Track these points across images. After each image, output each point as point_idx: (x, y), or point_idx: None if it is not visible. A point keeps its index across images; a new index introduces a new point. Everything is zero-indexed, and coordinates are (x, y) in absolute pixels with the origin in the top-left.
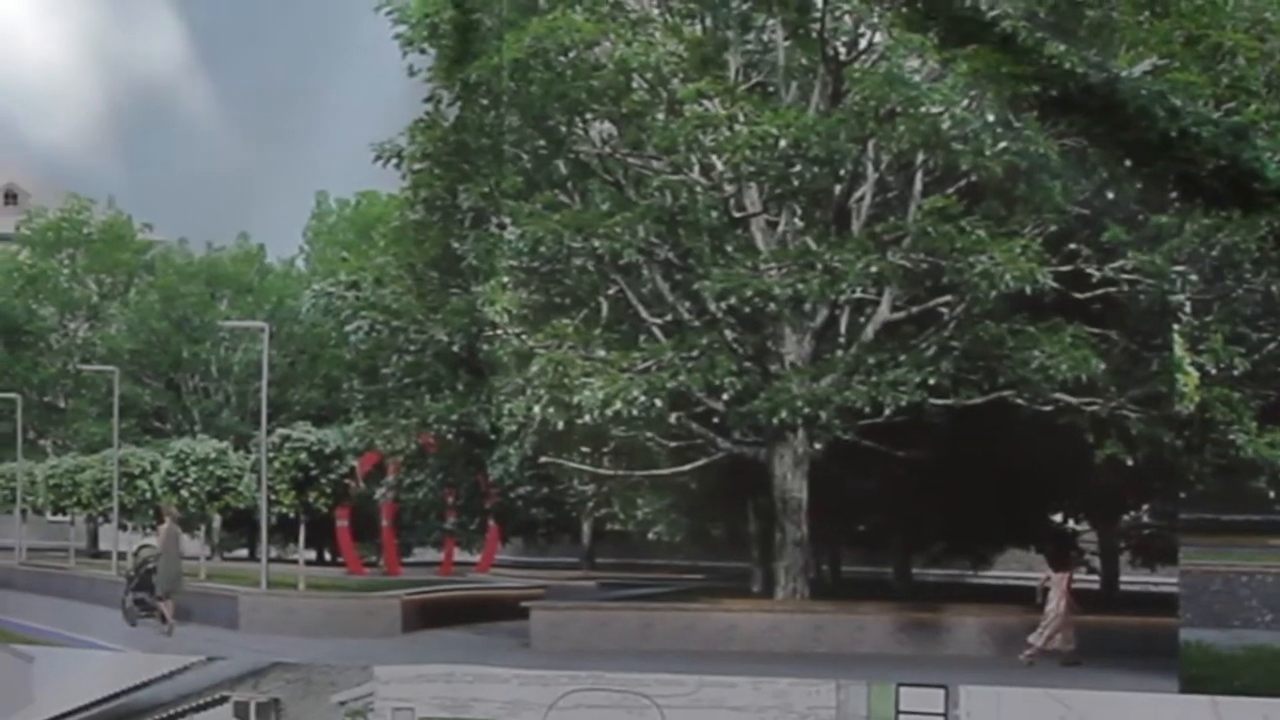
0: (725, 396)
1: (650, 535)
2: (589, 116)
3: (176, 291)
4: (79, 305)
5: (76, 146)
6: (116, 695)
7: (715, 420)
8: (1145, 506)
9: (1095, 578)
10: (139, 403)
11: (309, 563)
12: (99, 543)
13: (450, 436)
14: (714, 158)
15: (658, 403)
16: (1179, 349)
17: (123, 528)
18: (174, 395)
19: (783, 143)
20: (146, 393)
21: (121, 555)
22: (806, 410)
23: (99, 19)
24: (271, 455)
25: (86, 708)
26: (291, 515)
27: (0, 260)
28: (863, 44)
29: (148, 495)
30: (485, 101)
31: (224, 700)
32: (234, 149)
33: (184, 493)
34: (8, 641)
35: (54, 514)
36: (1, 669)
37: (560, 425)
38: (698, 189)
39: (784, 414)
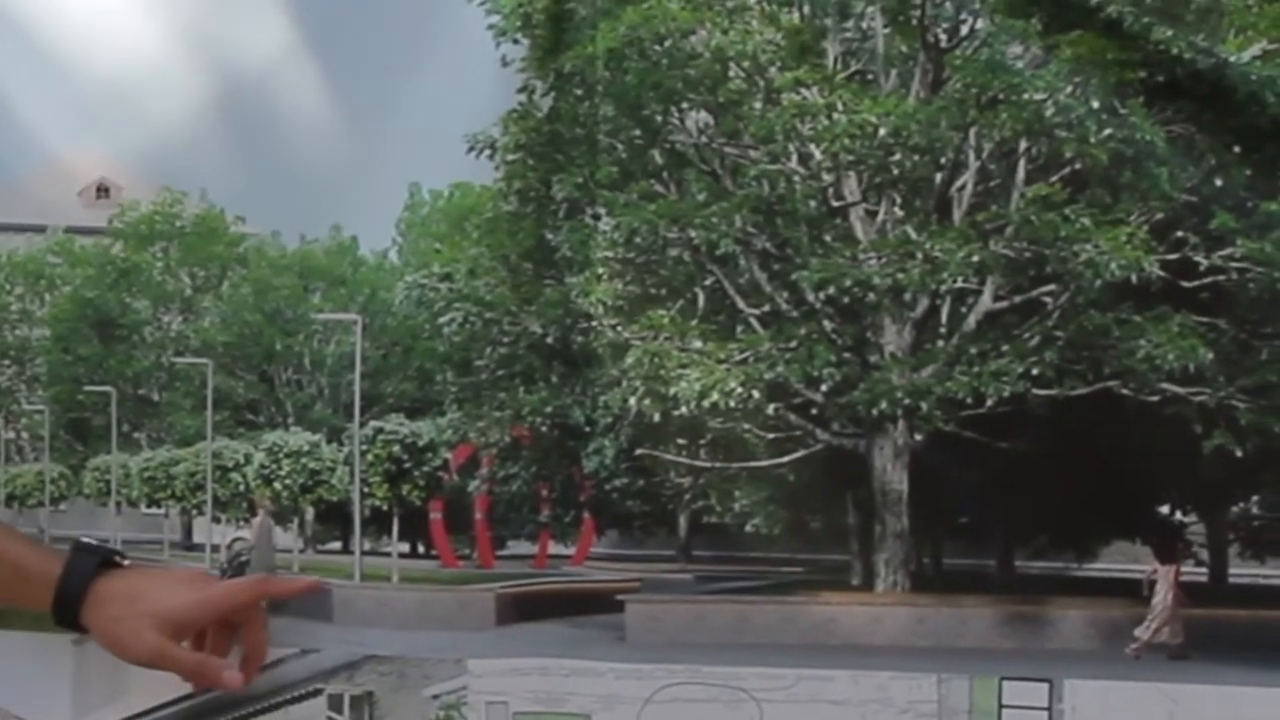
0: (824, 387)
1: (748, 528)
2: (685, 106)
3: (269, 284)
4: (172, 298)
5: (169, 140)
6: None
7: (814, 411)
8: (1255, 498)
9: (1203, 570)
10: (232, 395)
11: (402, 555)
12: (193, 535)
13: (545, 429)
14: (812, 146)
15: (755, 394)
16: None
17: (216, 520)
18: (267, 388)
19: (882, 131)
20: (240, 385)
21: (215, 548)
22: (907, 401)
23: (191, 12)
24: (364, 448)
25: (181, 700)
26: (384, 508)
27: (94, 254)
28: (964, 30)
29: (241, 488)
30: (579, 91)
31: (318, 692)
32: (327, 141)
33: (277, 485)
34: None
35: (148, 507)
36: (97, 661)
37: (656, 417)
38: (796, 178)
39: (884, 405)
